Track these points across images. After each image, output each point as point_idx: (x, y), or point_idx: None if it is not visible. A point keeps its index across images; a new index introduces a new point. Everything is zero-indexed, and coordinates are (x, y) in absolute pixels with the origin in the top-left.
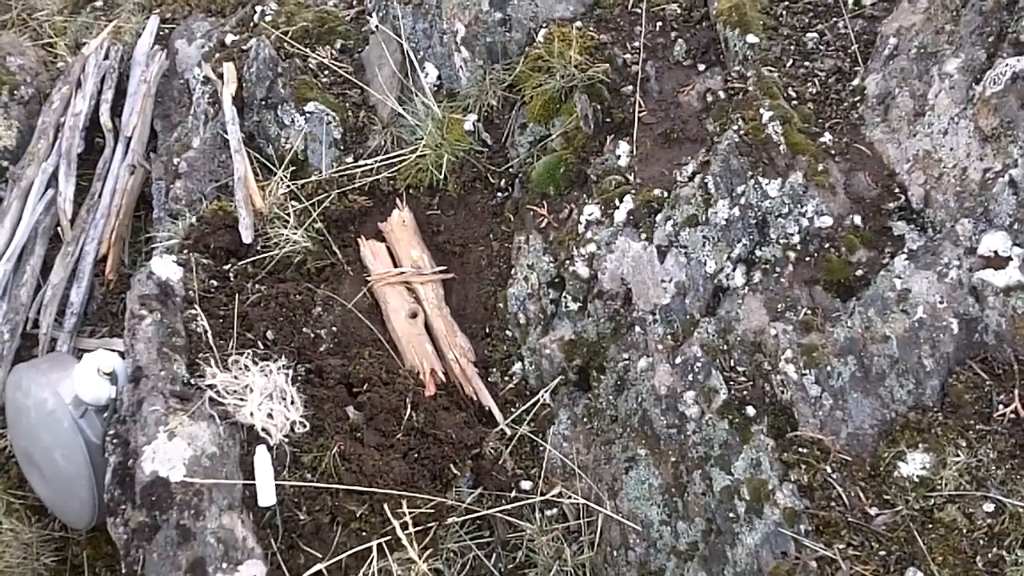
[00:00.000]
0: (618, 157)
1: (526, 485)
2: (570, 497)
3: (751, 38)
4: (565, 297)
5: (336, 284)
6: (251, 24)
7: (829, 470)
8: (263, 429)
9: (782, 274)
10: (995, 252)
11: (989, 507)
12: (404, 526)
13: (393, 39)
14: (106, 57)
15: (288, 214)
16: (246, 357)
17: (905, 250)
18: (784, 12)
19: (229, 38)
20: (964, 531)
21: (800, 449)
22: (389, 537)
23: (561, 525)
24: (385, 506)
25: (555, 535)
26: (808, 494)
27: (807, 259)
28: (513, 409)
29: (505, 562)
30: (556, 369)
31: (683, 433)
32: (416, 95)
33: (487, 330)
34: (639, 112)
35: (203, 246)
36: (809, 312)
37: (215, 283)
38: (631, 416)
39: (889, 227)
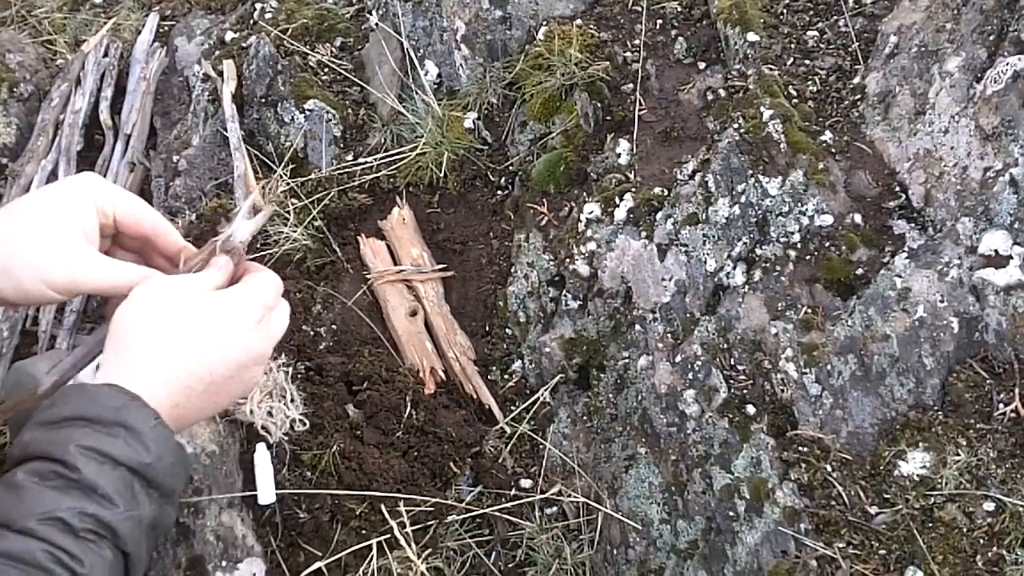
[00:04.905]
0: (618, 155)
1: (526, 483)
2: (570, 495)
3: (752, 36)
4: (565, 295)
5: (336, 282)
6: (251, 21)
7: (829, 469)
8: (263, 427)
9: (782, 273)
10: (995, 251)
11: (989, 506)
12: (402, 525)
13: (393, 37)
14: (105, 54)
15: (288, 212)
16: None
17: (905, 249)
18: (784, 10)
19: (229, 36)
20: (964, 530)
21: (800, 448)
22: (389, 535)
23: (561, 523)
24: (383, 506)
25: (555, 533)
26: (808, 493)
27: (807, 258)
28: (513, 407)
29: (505, 560)
30: (556, 367)
31: (683, 432)
32: (416, 93)
33: (487, 328)
34: (639, 110)
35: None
36: (809, 311)
37: None
38: (631, 414)
39: (890, 226)
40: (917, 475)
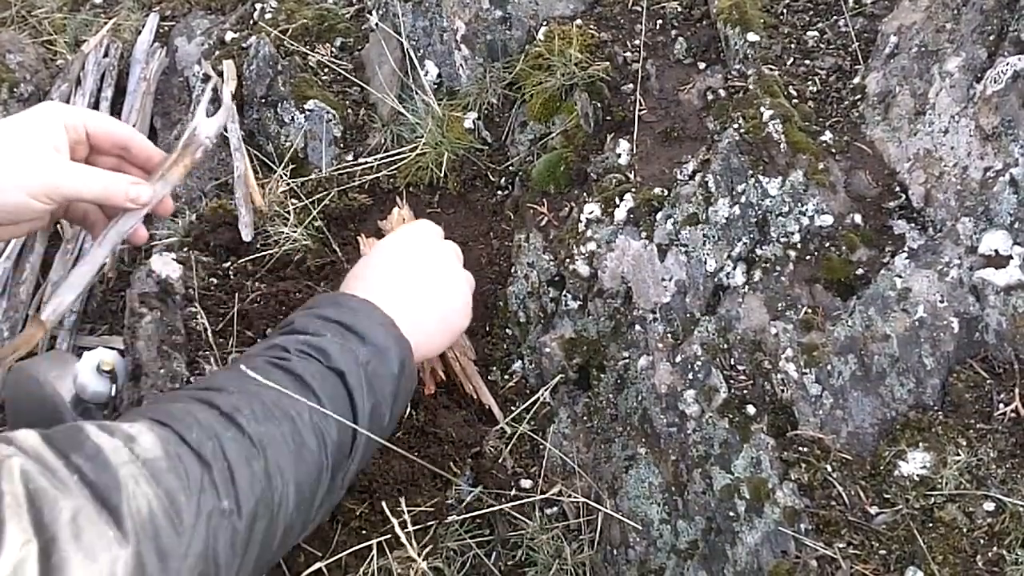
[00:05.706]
0: (618, 155)
1: (526, 484)
2: (570, 496)
3: (752, 36)
4: (565, 295)
5: (336, 282)
6: (251, 22)
7: (829, 469)
8: None
9: (782, 273)
10: (996, 251)
11: (989, 506)
12: (404, 525)
13: (393, 37)
14: (106, 55)
15: (288, 212)
16: None
17: (906, 249)
18: (785, 10)
19: (229, 36)
20: (964, 530)
21: (800, 448)
22: (389, 536)
23: (561, 523)
24: (384, 504)
25: (555, 533)
26: (808, 493)
27: (807, 258)
28: (513, 407)
29: (505, 560)
30: (556, 367)
31: (683, 432)
32: (416, 93)
33: (487, 328)
34: (639, 110)
35: (203, 244)
36: (809, 311)
37: (215, 281)
38: (631, 415)
39: (890, 226)
40: (917, 475)
